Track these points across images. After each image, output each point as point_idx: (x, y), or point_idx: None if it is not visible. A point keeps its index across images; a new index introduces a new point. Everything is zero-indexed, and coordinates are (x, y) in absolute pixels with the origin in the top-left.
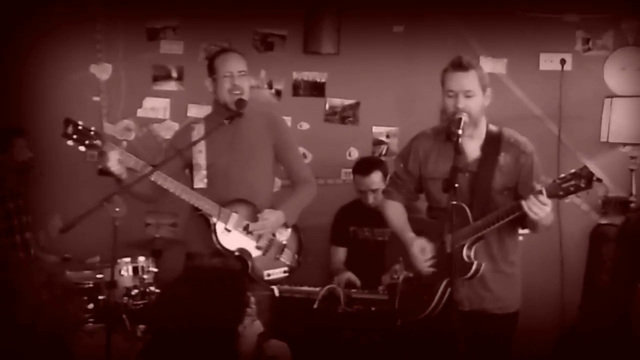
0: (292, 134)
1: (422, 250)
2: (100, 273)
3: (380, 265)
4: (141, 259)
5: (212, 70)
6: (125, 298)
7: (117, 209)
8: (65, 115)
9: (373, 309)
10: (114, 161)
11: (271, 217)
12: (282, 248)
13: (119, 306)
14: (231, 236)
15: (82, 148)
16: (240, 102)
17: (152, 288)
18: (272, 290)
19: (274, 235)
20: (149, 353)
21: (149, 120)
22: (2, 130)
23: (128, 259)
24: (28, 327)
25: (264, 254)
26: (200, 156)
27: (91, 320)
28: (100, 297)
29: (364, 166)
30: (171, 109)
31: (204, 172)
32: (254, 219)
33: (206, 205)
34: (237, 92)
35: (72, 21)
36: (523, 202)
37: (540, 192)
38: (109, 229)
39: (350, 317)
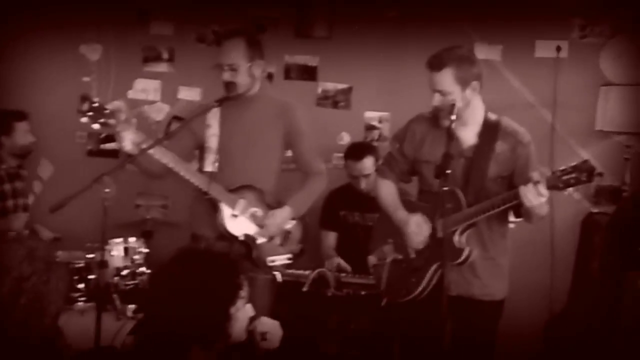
0: (306, 124)
1: (418, 226)
2: (90, 253)
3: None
4: (132, 239)
5: None
6: (116, 278)
7: (106, 190)
8: (54, 97)
9: (363, 293)
10: (128, 141)
11: (278, 219)
12: (286, 235)
13: (110, 286)
14: (237, 222)
15: (95, 126)
16: (228, 85)
17: (143, 269)
18: (274, 275)
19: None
20: (139, 332)
21: (140, 102)
22: (5, 113)
23: (119, 240)
24: (9, 302)
25: (268, 241)
26: (212, 140)
27: (82, 299)
28: (91, 277)
29: (356, 151)
30: (162, 90)
31: (215, 156)
32: (261, 204)
33: (214, 190)
34: (230, 85)
35: (61, 0)
36: (520, 191)
37: (539, 182)
38: (99, 210)
39: (339, 301)
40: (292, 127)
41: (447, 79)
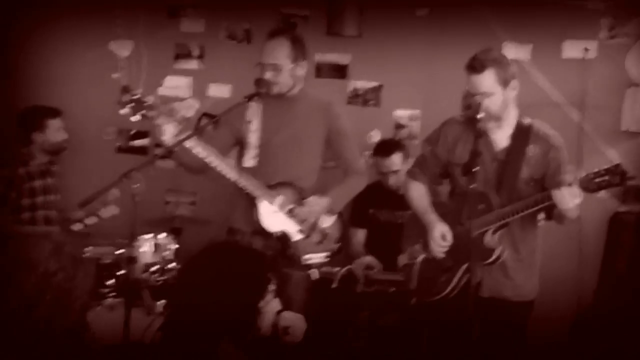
0: (348, 124)
1: (442, 236)
2: (120, 249)
3: (400, 247)
4: (161, 235)
5: None
6: (146, 274)
7: (135, 185)
8: (84, 94)
9: (391, 289)
10: (169, 134)
11: (317, 205)
12: (324, 234)
13: (139, 282)
14: (274, 218)
15: (135, 117)
16: (259, 82)
17: (173, 264)
18: (309, 273)
19: (317, 220)
20: (169, 328)
21: (170, 98)
22: (38, 110)
23: (149, 236)
24: (35, 298)
25: (306, 238)
26: (253, 135)
27: (111, 295)
28: (120, 273)
29: (384, 148)
30: (192, 87)
31: (255, 151)
32: (299, 203)
33: (252, 186)
34: (268, 84)
35: None
36: (554, 192)
37: (572, 184)
38: (128, 206)
39: (368, 297)
40: (333, 126)
41: (489, 80)
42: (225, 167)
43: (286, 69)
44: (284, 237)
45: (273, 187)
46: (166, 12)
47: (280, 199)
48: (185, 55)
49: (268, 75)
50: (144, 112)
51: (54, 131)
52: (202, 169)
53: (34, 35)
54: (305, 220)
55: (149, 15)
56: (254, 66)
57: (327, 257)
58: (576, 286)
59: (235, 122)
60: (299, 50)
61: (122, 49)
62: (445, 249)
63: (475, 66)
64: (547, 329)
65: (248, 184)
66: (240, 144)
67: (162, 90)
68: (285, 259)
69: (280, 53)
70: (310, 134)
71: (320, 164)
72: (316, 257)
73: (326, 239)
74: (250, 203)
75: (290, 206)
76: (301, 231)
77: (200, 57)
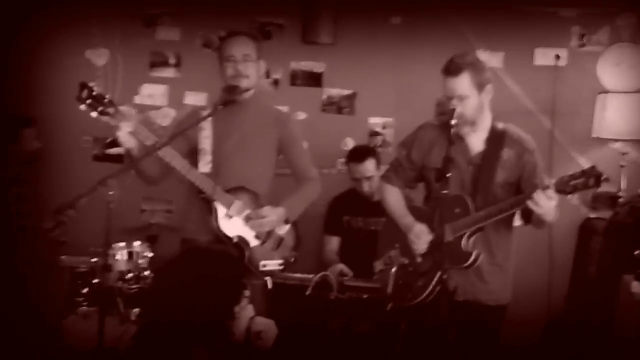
0: (300, 132)
1: (420, 236)
2: (95, 258)
3: (374, 254)
4: (136, 244)
5: (219, 55)
6: (120, 282)
7: (111, 192)
8: (60, 102)
9: (365, 296)
10: (125, 133)
11: (272, 215)
12: (280, 241)
13: (114, 290)
14: (232, 223)
15: (94, 114)
16: (233, 89)
17: (147, 273)
18: (265, 280)
19: (273, 228)
20: (143, 336)
21: (147, 107)
22: (11, 120)
23: (123, 244)
24: (12, 304)
25: (262, 245)
26: (206, 142)
27: (85, 303)
28: (95, 281)
29: (358, 154)
30: (169, 96)
31: (209, 158)
32: (256, 207)
33: (210, 188)
34: (241, 78)
35: (67, 5)
36: (529, 196)
37: (548, 187)
38: (103, 215)
39: (342, 304)
40: (286, 136)
41: (465, 83)
42: (189, 172)
43: (254, 63)
44: (241, 243)
45: (229, 192)
46: (142, 21)
47: (237, 203)
48: (162, 63)
49: (241, 67)
50: (101, 108)
51: (28, 140)
52: (157, 178)
53: (11, 45)
54: (261, 226)
55: (125, 24)
56: (220, 59)
57: (282, 264)
58: (547, 292)
59: (188, 130)
60: (259, 50)
61: (99, 57)
62: (426, 245)
63: (451, 69)
64: (519, 334)
65: (209, 188)
66: (194, 151)
67: (139, 99)
68: (242, 265)
69: (247, 45)
70: (261, 140)
71: (273, 171)
72: (272, 264)
73: (281, 246)
74: (207, 210)
75: (247, 212)
76: (257, 237)
77: (177, 65)
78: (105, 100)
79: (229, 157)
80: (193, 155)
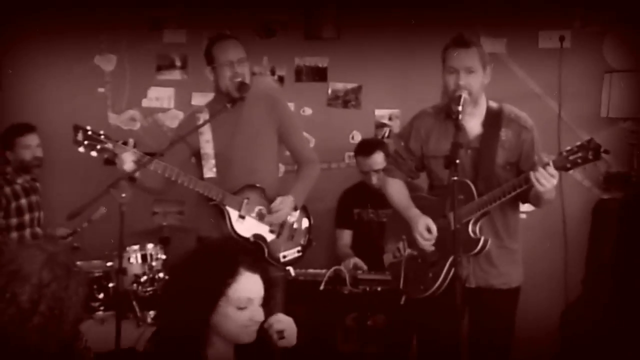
0: (294, 115)
1: (427, 228)
2: (109, 262)
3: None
4: (149, 246)
5: (210, 59)
6: (135, 285)
7: (123, 195)
8: (72, 107)
9: (379, 289)
10: (129, 163)
11: (283, 205)
12: (293, 229)
13: (129, 293)
14: (245, 223)
15: (93, 153)
16: (242, 86)
17: (161, 275)
18: (288, 271)
19: (285, 218)
20: (160, 338)
21: (154, 109)
22: (9, 128)
23: (136, 247)
24: (29, 309)
25: (277, 237)
26: (207, 145)
27: (102, 308)
28: (110, 285)
29: (366, 147)
30: (176, 98)
31: (213, 162)
32: (265, 202)
33: (217, 195)
34: (239, 79)
35: (74, 11)
36: (531, 174)
37: (548, 164)
38: (116, 219)
39: (356, 298)
40: (282, 120)
41: (474, 56)
42: (189, 181)
43: (246, 62)
44: (258, 240)
45: (237, 192)
46: (148, 25)
47: (246, 202)
48: (168, 66)
49: (240, 69)
50: (99, 146)
51: (22, 149)
52: (162, 189)
53: (22, 52)
54: (275, 220)
55: (131, 28)
56: (216, 67)
57: (300, 251)
58: (563, 275)
59: (188, 136)
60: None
61: (107, 63)
62: (432, 241)
63: (462, 41)
64: (537, 320)
65: (214, 194)
66: (197, 156)
67: (147, 102)
68: (264, 261)
69: (238, 48)
70: (263, 133)
71: (278, 161)
72: (290, 253)
73: (296, 234)
74: (219, 213)
75: (258, 208)
76: (272, 231)
77: (183, 67)
78: (101, 137)
79: (233, 157)
80: (197, 159)
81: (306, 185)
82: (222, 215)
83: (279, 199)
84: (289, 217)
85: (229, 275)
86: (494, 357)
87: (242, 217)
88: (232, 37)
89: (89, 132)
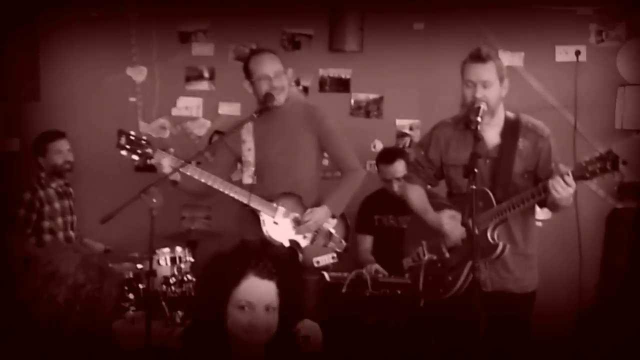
0: (335, 123)
1: (452, 220)
2: (139, 264)
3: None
4: (178, 249)
5: (248, 74)
6: (164, 286)
7: (154, 200)
8: (105, 116)
9: (399, 292)
10: (168, 167)
11: (315, 216)
12: (329, 235)
13: (158, 294)
14: (280, 228)
15: (135, 157)
16: (267, 97)
17: (189, 277)
18: (322, 275)
19: (320, 225)
20: (188, 337)
21: (183, 118)
22: (41, 135)
23: (166, 249)
24: (65, 309)
25: (312, 243)
26: (249, 154)
27: (132, 308)
28: (140, 287)
29: (387, 156)
30: (203, 107)
31: (252, 169)
32: (300, 210)
33: (253, 201)
34: (277, 91)
35: (107, 26)
36: (549, 183)
37: (567, 174)
38: (146, 222)
39: (377, 300)
40: (322, 129)
41: (491, 70)
42: (224, 187)
43: (284, 74)
44: (293, 246)
45: (273, 199)
46: (177, 39)
47: (281, 209)
48: (197, 77)
49: (277, 82)
50: (140, 151)
51: (54, 154)
52: (204, 192)
53: (60, 65)
54: (307, 229)
55: (162, 43)
56: (256, 80)
57: (334, 257)
58: (578, 282)
59: (231, 143)
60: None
61: (138, 74)
62: (462, 232)
63: (480, 56)
64: (551, 324)
65: (250, 200)
66: (240, 162)
67: (176, 111)
68: (298, 266)
69: (275, 61)
70: (302, 141)
71: (318, 169)
72: (325, 259)
73: (331, 240)
74: (256, 217)
75: (293, 215)
76: (306, 237)
77: (211, 78)
78: (143, 142)
79: (273, 165)
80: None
81: (346, 193)
82: (258, 220)
83: (309, 210)
84: (325, 224)
85: (235, 278)
86: (509, 359)
87: (276, 223)
88: (269, 51)
89: (132, 137)
